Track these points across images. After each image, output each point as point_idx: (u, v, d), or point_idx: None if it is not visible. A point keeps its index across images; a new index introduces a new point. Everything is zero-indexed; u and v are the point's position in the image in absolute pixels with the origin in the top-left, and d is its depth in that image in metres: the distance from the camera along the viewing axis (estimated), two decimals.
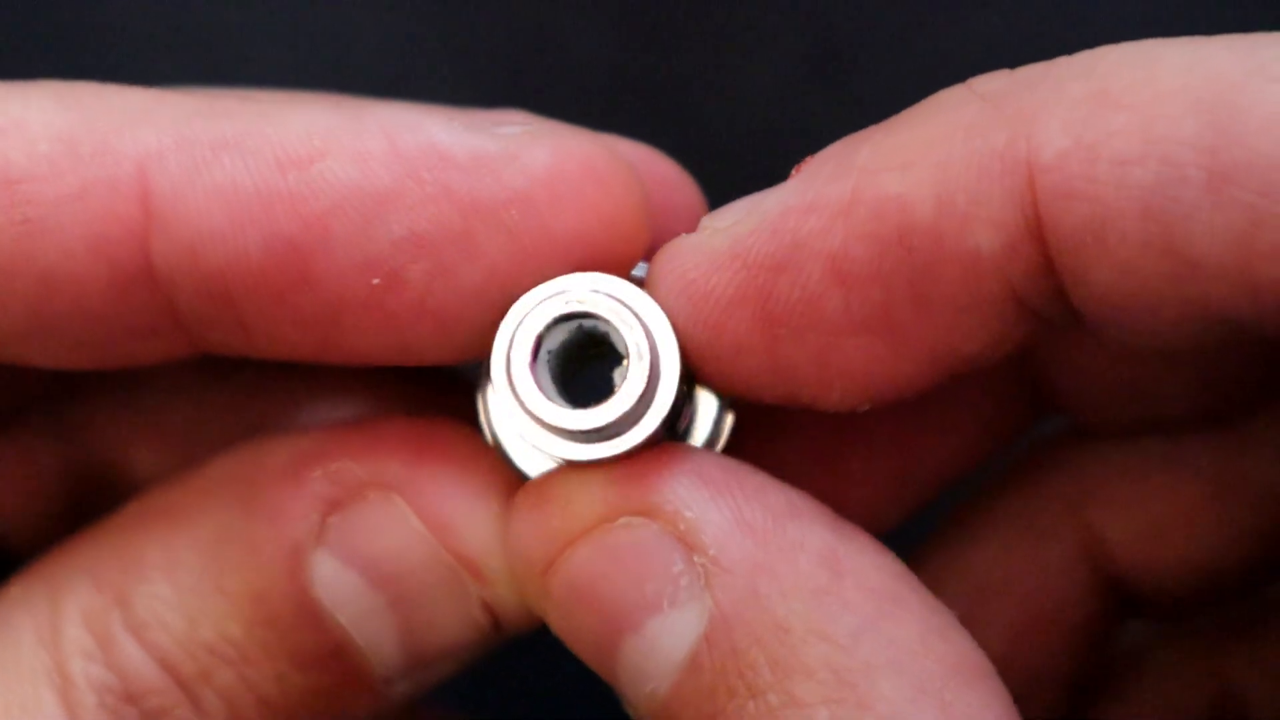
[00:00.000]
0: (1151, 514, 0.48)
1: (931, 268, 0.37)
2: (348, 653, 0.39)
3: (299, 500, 0.39)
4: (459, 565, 0.40)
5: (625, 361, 0.38)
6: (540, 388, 0.38)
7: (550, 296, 0.38)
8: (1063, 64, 0.38)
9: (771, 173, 0.40)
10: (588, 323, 0.39)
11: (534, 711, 0.64)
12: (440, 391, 0.47)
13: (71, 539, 0.41)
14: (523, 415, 0.38)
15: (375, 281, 0.37)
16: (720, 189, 0.42)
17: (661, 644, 0.37)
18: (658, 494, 0.38)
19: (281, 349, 0.39)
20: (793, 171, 0.39)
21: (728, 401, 0.41)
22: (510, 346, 0.38)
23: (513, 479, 0.40)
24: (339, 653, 0.39)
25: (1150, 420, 0.48)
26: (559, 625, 0.39)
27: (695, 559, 0.37)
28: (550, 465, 0.40)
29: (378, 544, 0.39)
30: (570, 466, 0.39)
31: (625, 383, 0.38)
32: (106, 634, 0.39)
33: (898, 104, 0.40)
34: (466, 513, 0.40)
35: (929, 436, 0.48)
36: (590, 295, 0.38)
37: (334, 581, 0.39)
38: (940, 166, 0.37)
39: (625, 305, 0.38)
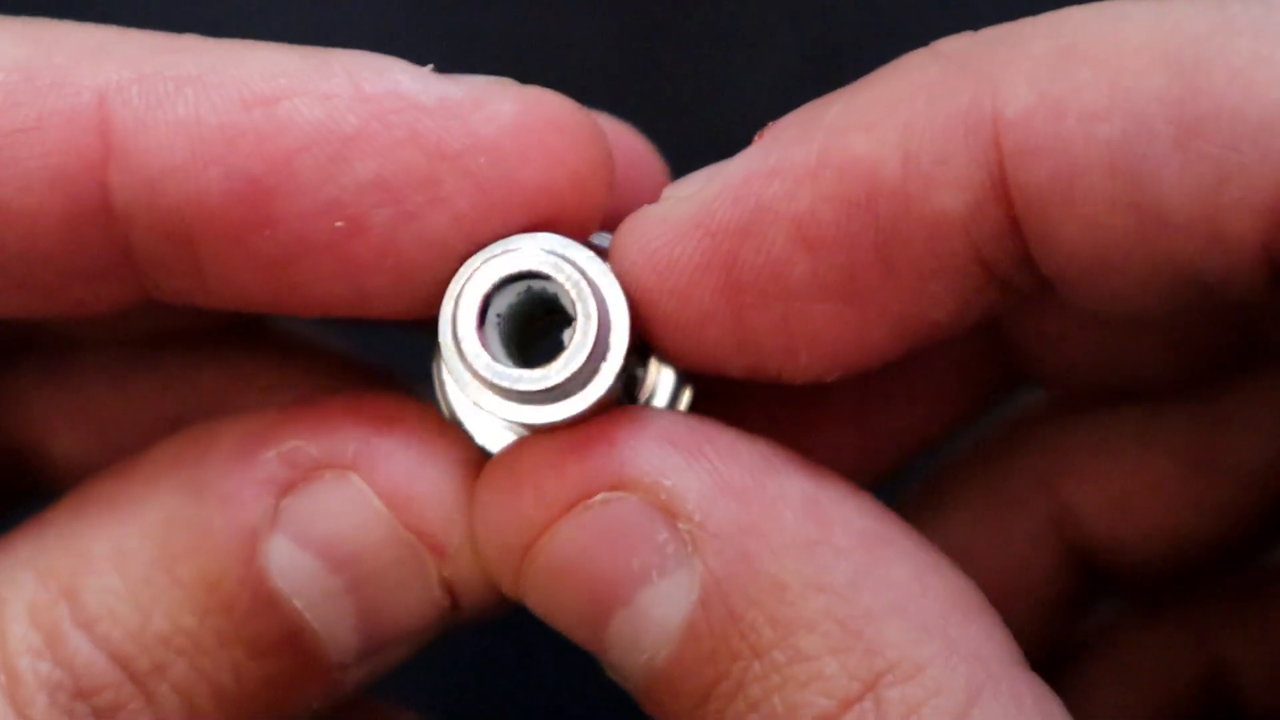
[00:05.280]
0: (1122, 487, 0.48)
1: (897, 231, 0.37)
2: (303, 639, 0.38)
3: (251, 483, 0.38)
4: (419, 543, 0.39)
5: (575, 323, 0.37)
6: (487, 348, 0.37)
7: (498, 255, 0.37)
8: (1027, 24, 0.37)
9: None
10: (537, 285, 0.38)
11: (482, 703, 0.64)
12: (377, 381, 0.46)
13: (10, 533, 0.40)
14: (469, 378, 0.37)
15: (338, 225, 0.37)
16: None
17: (654, 614, 0.37)
18: (633, 465, 0.37)
19: (236, 294, 0.38)
20: (755, 138, 0.38)
21: (685, 375, 0.41)
22: (456, 305, 0.37)
23: (471, 451, 0.39)
24: (294, 639, 0.38)
25: (1121, 389, 0.47)
26: (540, 605, 0.38)
27: (680, 526, 0.36)
28: (509, 438, 0.39)
29: (334, 525, 0.38)
30: (529, 438, 0.38)
31: (574, 340, 0.37)
32: (54, 630, 0.38)
33: None
34: (426, 487, 0.39)
35: (895, 406, 0.47)
36: (538, 255, 0.37)
37: (290, 566, 0.38)
38: (905, 127, 0.36)
39: (573, 264, 0.37)
